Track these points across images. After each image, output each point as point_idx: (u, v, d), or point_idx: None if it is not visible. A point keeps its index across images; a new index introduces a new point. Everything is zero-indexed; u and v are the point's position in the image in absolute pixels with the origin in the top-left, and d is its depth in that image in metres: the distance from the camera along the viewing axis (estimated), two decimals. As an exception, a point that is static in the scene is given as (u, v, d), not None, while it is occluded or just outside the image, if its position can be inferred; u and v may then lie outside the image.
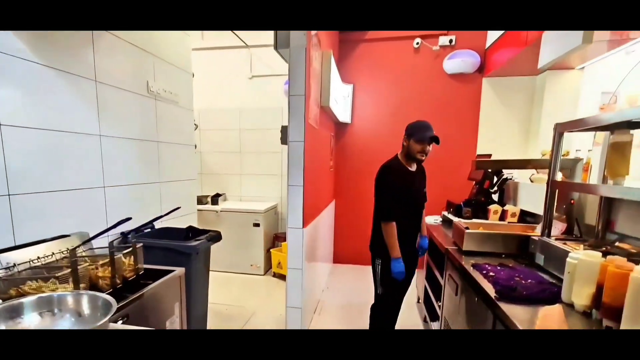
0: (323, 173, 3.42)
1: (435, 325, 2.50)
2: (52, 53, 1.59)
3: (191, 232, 2.35)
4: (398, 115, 4.06)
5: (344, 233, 4.47)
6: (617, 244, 1.48)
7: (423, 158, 2.09)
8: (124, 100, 2.07)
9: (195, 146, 3.18)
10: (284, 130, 2.47)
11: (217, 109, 4.49)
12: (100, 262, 1.42)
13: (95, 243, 1.68)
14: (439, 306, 2.31)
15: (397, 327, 2.63)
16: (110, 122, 1.96)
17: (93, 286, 1.36)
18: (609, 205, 1.59)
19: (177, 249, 1.99)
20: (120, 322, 1.32)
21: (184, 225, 2.47)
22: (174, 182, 2.62)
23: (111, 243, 1.50)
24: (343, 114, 4.03)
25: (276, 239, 4.31)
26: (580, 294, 1.20)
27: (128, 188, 2.13)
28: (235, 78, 4.42)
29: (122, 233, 2.02)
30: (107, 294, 1.06)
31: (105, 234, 1.59)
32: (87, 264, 1.39)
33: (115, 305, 0.98)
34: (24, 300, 1.01)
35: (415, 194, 2.19)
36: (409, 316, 3.06)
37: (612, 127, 1.37)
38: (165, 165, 2.50)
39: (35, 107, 1.52)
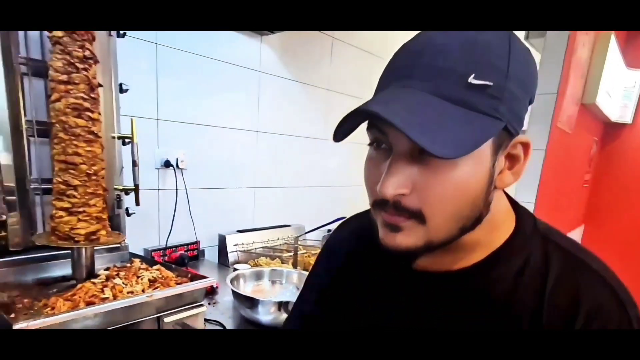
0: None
1: None
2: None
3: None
4: None
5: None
6: None
7: (389, 219, 0.44)
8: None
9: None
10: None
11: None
12: (312, 252, 1.74)
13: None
14: None
15: None
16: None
17: (304, 270, 1.58)
18: None
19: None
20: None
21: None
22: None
23: (325, 237, 1.77)
24: (618, 111, 3.05)
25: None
26: None
27: (344, 189, 2.29)
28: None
29: (328, 230, 2.00)
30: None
31: (319, 229, 1.77)
32: (303, 251, 1.72)
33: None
34: (263, 269, 1.38)
35: (386, 323, 0.57)
36: None
37: None
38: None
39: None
